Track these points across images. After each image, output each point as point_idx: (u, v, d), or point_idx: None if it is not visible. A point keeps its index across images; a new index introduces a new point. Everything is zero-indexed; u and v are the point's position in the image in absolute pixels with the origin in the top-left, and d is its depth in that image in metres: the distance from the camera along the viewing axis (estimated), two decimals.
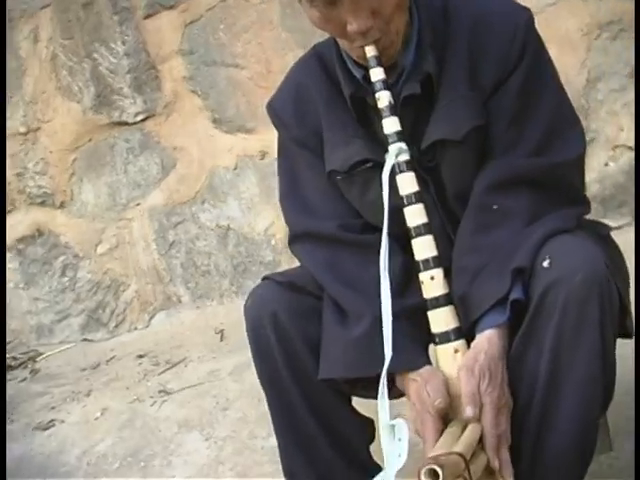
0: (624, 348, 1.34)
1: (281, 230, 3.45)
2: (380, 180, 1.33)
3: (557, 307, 1.15)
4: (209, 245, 3.55)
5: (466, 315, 1.23)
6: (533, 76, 1.33)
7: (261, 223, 3.48)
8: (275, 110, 1.47)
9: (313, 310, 1.33)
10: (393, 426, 0.64)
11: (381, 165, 1.31)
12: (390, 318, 1.19)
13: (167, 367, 2.98)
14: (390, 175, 1.27)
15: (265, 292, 1.35)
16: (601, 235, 1.38)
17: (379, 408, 1.13)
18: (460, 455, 0.97)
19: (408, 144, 1.27)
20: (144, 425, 2.47)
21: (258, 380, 1.38)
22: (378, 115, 1.32)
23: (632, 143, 2.93)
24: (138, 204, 3.58)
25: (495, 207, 1.31)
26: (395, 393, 1.35)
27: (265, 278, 1.40)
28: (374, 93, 1.28)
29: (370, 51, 1.26)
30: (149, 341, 3.40)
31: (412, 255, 1.28)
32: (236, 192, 3.48)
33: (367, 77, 1.31)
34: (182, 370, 2.92)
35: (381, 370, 1.21)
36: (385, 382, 1.15)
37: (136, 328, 3.61)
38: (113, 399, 2.73)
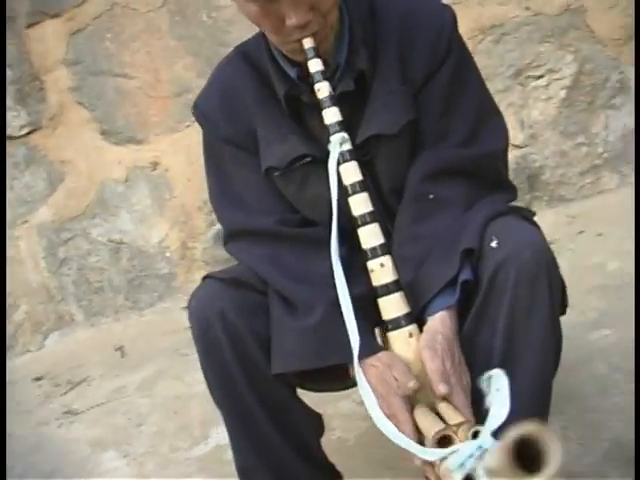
0: None
1: (175, 242, 3.40)
2: (318, 175, 1.35)
3: (509, 284, 1.19)
4: (101, 260, 3.45)
5: (416, 300, 1.25)
6: (459, 70, 1.38)
7: (155, 235, 3.41)
8: (202, 109, 1.45)
9: (259, 306, 1.32)
10: (490, 377, 0.64)
11: (319, 160, 1.33)
12: (350, 305, 1.20)
13: (69, 387, 2.86)
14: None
15: (209, 291, 1.33)
16: (529, 218, 1.44)
17: (362, 395, 1.14)
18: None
19: None
20: (54, 448, 2.36)
21: (206, 382, 1.35)
22: (311, 112, 1.34)
23: (518, 141, 3.08)
24: (25, 221, 3.43)
25: (431, 197, 1.34)
26: (347, 382, 1.36)
27: (206, 277, 1.37)
28: (313, 85, 1.28)
29: (307, 43, 1.27)
30: (45, 363, 3.26)
31: (352, 246, 1.29)
32: (128, 205, 3.40)
33: (301, 75, 1.33)
34: (85, 389, 2.82)
35: (342, 357, 1.22)
36: (359, 368, 1.16)
37: (29, 350, 3.46)
38: (15, 425, 2.59)
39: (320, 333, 1.24)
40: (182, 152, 3.25)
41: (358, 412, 2.00)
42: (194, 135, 3.27)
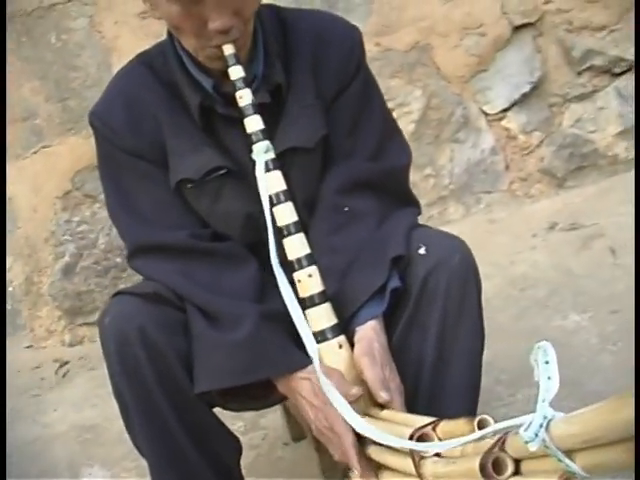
0: None
1: (19, 276, 3.18)
2: (232, 188, 1.34)
3: (440, 290, 1.21)
4: None
5: (343, 311, 1.25)
6: (366, 88, 1.42)
7: None
8: (101, 118, 1.36)
9: (178, 322, 1.25)
10: (538, 349, 0.63)
11: (233, 173, 1.32)
12: (301, 314, 1.17)
13: None
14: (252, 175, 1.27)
15: (126, 307, 1.25)
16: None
17: (334, 400, 1.10)
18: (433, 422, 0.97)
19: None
20: None
21: (120, 405, 1.26)
22: (225, 124, 1.33)
23: None
24: None
25: (346, 209, 1.35)
26: (273, 399, 1.33)
27: (117, 294, 1.29)
28: (229, 95, 1.26)
29: (229, 49, 1.24)
30: None
31: (265, 259, 1.28)
32: None
33: (216, 86, 1.31)
34: None
35: (274, 371, 1.20)
36: (325, 379, 1.12)
37: None
38: None
39: (250, 347, 1.20)
40: (27, 181, 3.07)
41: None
42: (41, 162, 3.16)
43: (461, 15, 3.07)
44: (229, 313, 1.23)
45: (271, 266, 1.29)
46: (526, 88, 3.17)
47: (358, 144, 1.39)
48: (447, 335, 1.23)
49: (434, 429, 0.94)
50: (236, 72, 1.25)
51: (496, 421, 0.83)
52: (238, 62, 1.25)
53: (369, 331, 1.23)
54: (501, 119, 3.21)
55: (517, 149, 3.25)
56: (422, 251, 1.24)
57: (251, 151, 1.26)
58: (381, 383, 1.15)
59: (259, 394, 1.30)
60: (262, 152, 1.24)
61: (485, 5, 3.10)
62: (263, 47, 1.34)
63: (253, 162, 1.29)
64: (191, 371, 1.23)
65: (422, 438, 0.93)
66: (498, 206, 3.24)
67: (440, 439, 0.92)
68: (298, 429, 1.87)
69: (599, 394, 1.74)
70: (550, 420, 0.60)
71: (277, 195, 1.24)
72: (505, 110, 3.20)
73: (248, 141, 1.26)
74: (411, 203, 1.44)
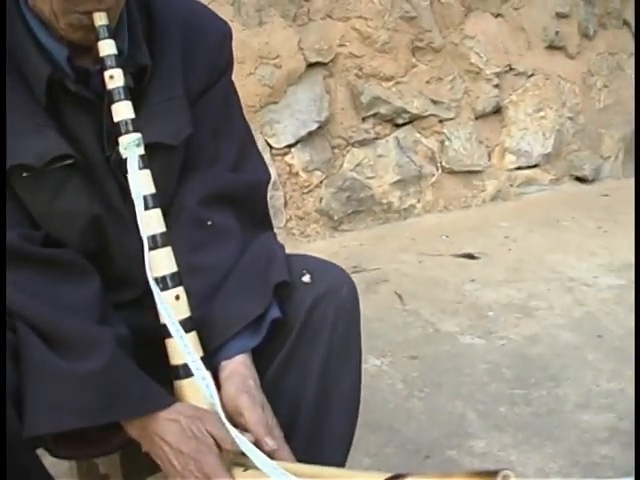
0: None
1: None
2: (76, 183, 1.10)
3: (327, 323, 1.08)
4: None
5: (208, 340, 1.06)
6: (232, 89, 1.27)
7: None
8: None
9: (5, 345, 0.98)
10: None
11: (79, 165, 1.08)
12: (187, 341, 0.95)
13: None
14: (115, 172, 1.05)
15: None
16: None
17: (249, 452, 0.88)
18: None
19: (113, 145, 1.08)
20: None
21: None
22: (73, 104, 1.09)
23: None
24: None
25: (209, 223, 1.17)
26: (115, 445, 1.08)
27: None
28: (103, 70, 1.04)
29: (101, 18, 1.03)
30: None
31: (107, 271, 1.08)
32: None
33: (70, 57, 1.08)
34: None
35: (133, 410, 0.97)
36: (226, 420, 0.91)
37: None
38: None
39: (106, 380, 0.96)
40: None
41: None
42: None
43: (259, 43, 2.98)
44: (78, 336, 0.99)
45: (108, 283, 1.09)
46: (313, 126, 3.15)
47: (221, 150, 1.22)
48: (330, 375, 1.08)
49: None
50: (108, 47, 1.04)
51: None
52: (111, 35, 1.03)
53: (239, 366, 1.05)
54: (285, 154, 3.14)
55: (297, 187, 3.20)
56: (307, 279, 1.09)
57: (102, 140, 1.08)
58: (266, 428, 0.98)
59: (97, 438, 1.05)
60: (134, 146, 1.02)
61: (283, 37, 3.03)
62: (127, 24, 1.13)
63: (104, 154, 1.09)
64: (19, 407, 0.96)
65: None
66: None
67: None
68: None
69: (417, 442, 1.70)
70: None
71: (145, 199, 1.04)
72: (290, 146, 3.14)
73: (108, 130, 1.06)
74: (269, 225, 1.29)
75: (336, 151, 3.23)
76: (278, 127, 3.10)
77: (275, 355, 1.09)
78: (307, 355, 1.08)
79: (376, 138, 3.27)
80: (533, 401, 1.94)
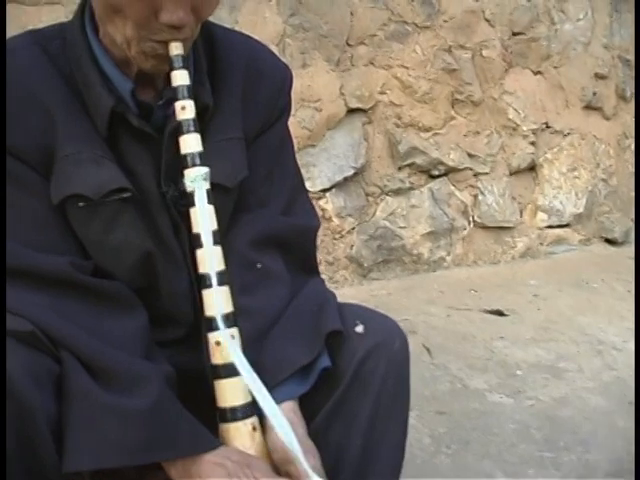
0: None
1: None
2: (130, 217, 1.10)
3: (377, 375, 1.06)
4: None
5: None
6: (287, 133, 1.28)
7: None
8: None
9: (50, 374, 0.97)
10: None
11: (134, 199, 1.08)
12: (260, 384, 0.94)
13: None
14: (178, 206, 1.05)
15: None
16: None
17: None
18: None
19: (170, 180, 1.08)
20: None
21: None
22: (132, 138, 1.09)
23: None
24: None
25: (259, 266, 1.16)
26: None
27: None
28: (175, 101, 1.04)
29: (177, 49, 1.03)
30: None
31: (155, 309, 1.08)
32: None
33: (134, 92, 1.09)
34: None
35: (179, 451, 0.96)
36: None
37: None
38: None
39: (153, 419, 0.95)
40: None
41: None
42: None
43: (301, 86, 2.99)
44: (124, 371, 0.97)
45: (152, 320, 1.08)
46: (349, 172, 3.15)
47: (272, 192, 1.22)
48: (377, 429, 1.07)
49: None
50: (182, 77, 1.04)
51: None
52: (185, 66, 1.03)
53: (288, 413, 1.03)
54: (320, 198, 3.14)
55: (329, 231, 3.19)
56: (359, 329, 1.08)
57: (159, 175, 1.09)
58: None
59: (134, 475, 1.03)
60: (201, 179, 1.02)
61: (326, 81, 3.05)
62: (193, 62, 1.14)
63: (160, 189, 1.09)
64: (58, 441, 0.94)
65: None
66: None
67: None
68: None
69: None
70: None
71: (213, 234, 1.04)
72: (325, 190, 3.14)
73: (166, 164, 1.08)
74: (316, 271, 1.28)
75: (370, 199, 3.22)
76: (314, 170, 3.10)
77: (322, 405, 1.07)
78: (355, 407, 1.06)
79: (411, 188, 3.26)
80: (562, 465, 1.90)
